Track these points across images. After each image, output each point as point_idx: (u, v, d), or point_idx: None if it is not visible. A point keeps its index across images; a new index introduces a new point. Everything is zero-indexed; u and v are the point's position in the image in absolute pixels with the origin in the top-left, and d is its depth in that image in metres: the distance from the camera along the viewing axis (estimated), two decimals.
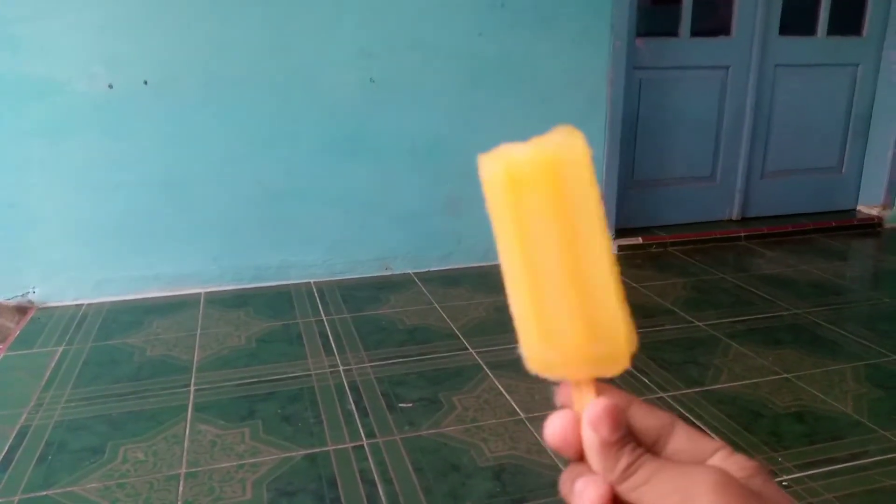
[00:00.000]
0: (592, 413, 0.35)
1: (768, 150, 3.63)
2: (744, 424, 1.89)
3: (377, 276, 2.97)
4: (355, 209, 2.89)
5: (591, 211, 0.37)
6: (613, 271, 0.37)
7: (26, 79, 2.43)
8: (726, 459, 0.34)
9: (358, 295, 2.77)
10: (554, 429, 0.36)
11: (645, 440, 0.35)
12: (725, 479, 0.31)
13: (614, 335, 0.37)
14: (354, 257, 2.95)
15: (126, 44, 2.50)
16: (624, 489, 0.34)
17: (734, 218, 3.65)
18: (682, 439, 0.35)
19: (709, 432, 1.82)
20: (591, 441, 0.35)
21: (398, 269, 3.01)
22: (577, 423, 0.36)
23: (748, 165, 3.60)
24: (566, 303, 0.37)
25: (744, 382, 2.10)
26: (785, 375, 2.14)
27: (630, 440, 0.35)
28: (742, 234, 3.48)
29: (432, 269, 3.02)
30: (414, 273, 3.00)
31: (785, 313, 2.61)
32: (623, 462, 0.34)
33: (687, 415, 1.92)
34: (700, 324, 2.51)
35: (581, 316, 0.37)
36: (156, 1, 2.48)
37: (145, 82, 2.54)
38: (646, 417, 0.36)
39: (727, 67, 3.43)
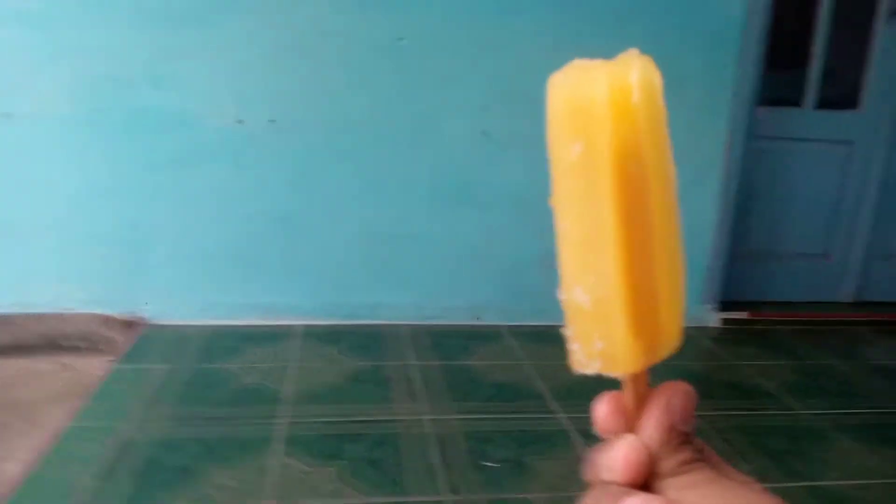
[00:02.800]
0: (676, 393, 0.34)
1: (893, 232, 3.41)
2: None
3: (467, 325, 2.96)
4: (452, 257, 2.92)
5: (668, 162, 0.33)
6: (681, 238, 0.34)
7: (163, 112, 2.61)
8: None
9: (447, 342, 2.77)
10: (608, 406, 0.36)
11: None
12: None
13: (679, 309, 0.34)
14: (446, 304, 2.96)
15: (258, 84, 2.65)
16: (670, 483, 0.33)
17: (849, 301, 3.44)
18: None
19: None
20: (659, 422, 0.33)
21: (488, 320, 2.99)
22: (623, 407, 0.35)
23: (868, 246, 3.39)
24: (659, 276, 0.33)
25: (854, 482, 1.95)
26: None
27: (693, 441, 0.34)
28: (856, 319, 3.26)
29: (524, 322, 2.99)
30: (504, 326, 2.97)
31: None
32: (681, 456, 0.33)
33: None
34: (806, 412, 2.36)
35: (671, 289, 0.34)
36: (288, 47, 2.63)
37: (272, 120, 2.68)
38: None
39: (852, 143, 3.27)
